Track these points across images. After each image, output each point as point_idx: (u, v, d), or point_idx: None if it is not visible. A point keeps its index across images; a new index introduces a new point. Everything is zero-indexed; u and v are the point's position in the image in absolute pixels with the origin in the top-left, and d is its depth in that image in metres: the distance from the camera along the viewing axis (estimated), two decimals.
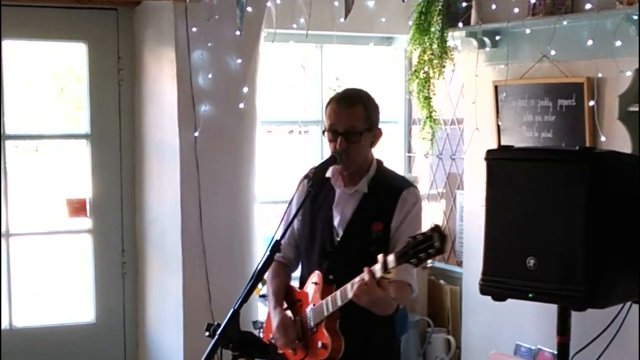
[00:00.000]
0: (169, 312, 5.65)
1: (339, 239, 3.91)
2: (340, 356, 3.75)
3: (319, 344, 3.77)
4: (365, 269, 3.49)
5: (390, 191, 3.86)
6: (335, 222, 3.92)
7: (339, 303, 3.66)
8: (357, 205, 3.89)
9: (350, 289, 3.56)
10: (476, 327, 5.55)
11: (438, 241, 3.21)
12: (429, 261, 4.57)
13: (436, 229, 3.24)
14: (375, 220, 3.81)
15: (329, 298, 3.72)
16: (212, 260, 5.48)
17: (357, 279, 3.52)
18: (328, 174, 3.92)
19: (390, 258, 3.39)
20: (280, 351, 3.91)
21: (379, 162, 3.99)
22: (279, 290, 4.05)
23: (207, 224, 5.46)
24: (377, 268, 3.45)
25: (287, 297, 4.04)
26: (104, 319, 6.05)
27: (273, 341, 3.94)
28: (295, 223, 4.03)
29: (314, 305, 3.82)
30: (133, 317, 6.10)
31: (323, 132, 3.92)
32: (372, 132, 3.87)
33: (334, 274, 3.80)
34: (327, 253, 3.92)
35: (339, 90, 5.30)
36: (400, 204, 3.82)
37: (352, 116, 3.80)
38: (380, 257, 3.44)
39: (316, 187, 3.68)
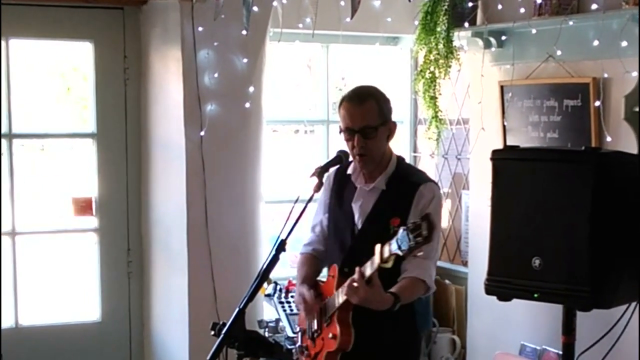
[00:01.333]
0: (175, 311, 5.65)
1: (357, 233, 3.95)
2: (349, 348, 3.77)
3: (330, 335, 3.81)
4: (357, 269, 3.53)
5: (407, 186, 3.88)
6: (356, 217, 3.96)
7: (344, 296, 3.68)
8: (375, 201, 3.92)
9: (369, 264, 3.58)
10: (481, 327, 5.54)
11: (426, 230, 3.21)
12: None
13: (426, 217, 3.25)
14: (393, 216, 3.82)
15: (339, 290, 3.75)
16: (217, 260, 5.48)
17: (349, 280, 3.56)
18: (349, 170, 3.97)
19: (386, 248, 3.40)
20: (304, 344, 3.95)
21: (400, 159, 4.01)
22: (306, 275, 4.08)
23: (213, 223, 5.47)
24: (368, 264, 3.49)
25: (316, 288, 4.03)
26: (110, 318, 6.06)
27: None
28: (324, 219, 4.13)
29: (329, 297, 3.87)
30: (138, 316, 6.11)
31: (340, 132, 3.94)
32: (387, 125, 3.90)
33: (349, 267, 3.81)
34: (345, 247, 3.97)
35: (345, 89, 5.31)
36: (417, 199, 3.83)
37: (366, 112, 3.83)
38: (377, 247, 3.45)
39: (320, 185, 3.72)
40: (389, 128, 3.91)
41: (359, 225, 3.95)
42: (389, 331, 3.86)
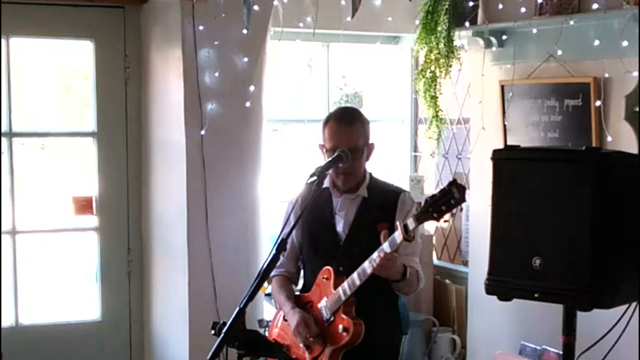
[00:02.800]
0: (175, 310, 5.65)
1: (343, 239, 4.07)
2: (360, 340, 3.85)
3: (340, 328, 3.88)
4: (385, 243, 3.66)
5: (388, 194, 4.10)
6: (339, 227, 4.09)
7: (358, 283, 3.79)
8: (357, 208, 4.08)
9: (368, 265, 3.73)
10: (482, 326, 5.54)
11: (457, 192, 3.43)
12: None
13: (454, 182, 3.45)
14: (379, 221, 3.93)
15: (344, 283, 3.86)
16: (217, 259, 5.48)
17: (375, 254, 3.69)
18: (325, 184, 4.02)
19: (410, 220, 3.58)
20: (293, 355, 3.97)
21: (370, 173, 4.18)
22: (291, 295, 4.19)
23: (213, 222, 5.47)
24: (397, 235, 3.62)
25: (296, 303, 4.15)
26: (110, 317, 6.06)
27: (293, 337, 4.05)
28: (294, 236, 4.17)
29: (327, 297, 3.95)
30: (139, 315, 6.11)
31: (322, 146, 4.08)
32: (368, 147, 4.09)
33: (343, 266, 3.96)
34: (330, 255, 4.07)
35: (345, 88, 5.34)
36: (400, 205, 4.04)
37: (354, 134, 4.01)
38: (398, 223, 3.64)
39: (320, 187, 3.74)
40: (369, 149, 4.09)
41: (345, 231, 4.06)
42: (379, 332, 3.95)
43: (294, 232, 4.09)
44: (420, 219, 3.55)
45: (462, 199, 3.46)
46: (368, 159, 4.11)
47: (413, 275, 3.91)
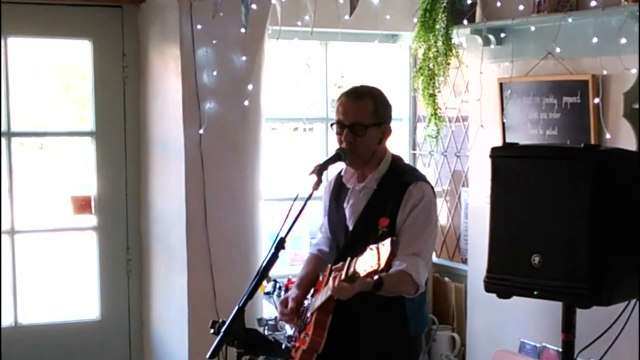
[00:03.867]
0: (174, 310, 5.65)
1: (348, 235, 3.97)
2: (320, 350, 3.69)
3: (303, 334, 3.80)
4: (332, 276, 3.51)
5: (397, 186, 3.86)
6: (348, 218, 3.98)
7: (323, 297, 3.67)
8: (366, 201, 3.92)
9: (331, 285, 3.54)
10: (481, 324, 5.55)
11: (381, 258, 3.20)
12: None
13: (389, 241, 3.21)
14: (382, 216, 3.83)
15: (322, 291, 3.73)
16: (217, 258, 5.48)
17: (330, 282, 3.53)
18: (342, 172, 4.00)
19: (351, 265, 3.35)
20: (294, 334, 3.96)
21: (395, 158, 3.99)
22: (304, 276, 4.10)
23: (212, 221, 5.46)
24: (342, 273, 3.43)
25: (316, 284, 4.04)
26: (109, 317, 6.06)
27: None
28: (325, 221, 4.18)
29: (316, 296, 3.87)
30: (138, 315, 6.11)
31: (331, 125, 3.94)
32: (381, 128, 3.88)
33: None
34: (338, 247, 3.99)
35: (344, 87, 5.31)
36: (406, 199, 3.81)
37: (360, 109, 3.83)
38: (348, 261, 3.40)
39: (319, 183, 3.72)
40: (383, 131, 3.90)
41: (350, 226, 3.96)
42: (374, 335, 3.88)
43: (325, 216, 4.18)
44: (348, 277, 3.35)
45: (385, 268, 3.26)
46: (381, 142, 3.90)
47: (396, 283, 3.64)
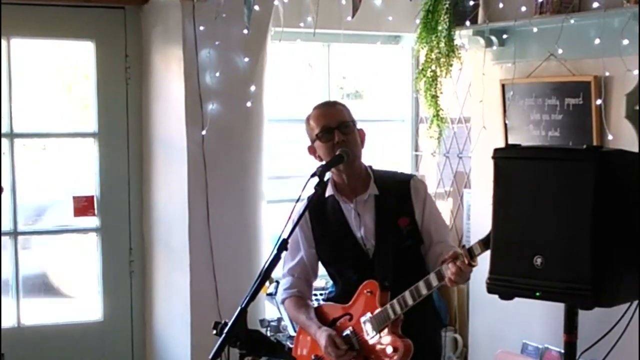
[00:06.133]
0: (177, 311, 5.66)
1: (373, 248, 3.98)
2: (410, 356, 3.80)
3: (389, 350, 3.81)
4: (451, 264, 3.59)
5: (398, 185, 4.01)
6: (360, 233, 4.00)
7: (410, 303, 3.74)
8: (374, 209, 3.98)
9: (423, 286, 3.69)
10: (483, 325, 5.54)
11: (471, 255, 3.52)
12: None
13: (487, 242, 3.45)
14: (399, 217, 3.91)
15: (394, 302, 3.79)
16: (219, 259, 5.49)
17: (443, 267, 3.63)
18: (328, 192, 3.99)
19: (476, 246, 3.60)
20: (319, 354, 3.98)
21: (370, 166, 4.11)
22: (311, 314, 4.10)
23: (215, 222, 5.47)
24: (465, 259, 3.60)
25: (324, 316, 4.08)
26: (112, 318, 6.06)
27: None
28: (306, 256, 4.15)
29: (371, 313, 3.88)
30: (140, 316, 6.11)
31: (311, 148, 4.05)
32: (359, 131, 4.04)
33: (387, 280, 3.89)
34: (364, 265, 3.99)
35: (346, 88, 5.35)
36: (414, 194, 3.98)
37: (338, 111, 4.01)
38: (461, 249, 3.61)
39: (323, 186, 3.72)
40: (361, 134, 4.04)
41: (369, 238, 3.97)
42: (421, 331, 3.91)
43: (307, 252, 4.13)
44: (486, 245, 3.54)
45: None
46: (363, 144, 4.03)
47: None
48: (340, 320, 4.01)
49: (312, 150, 4.06)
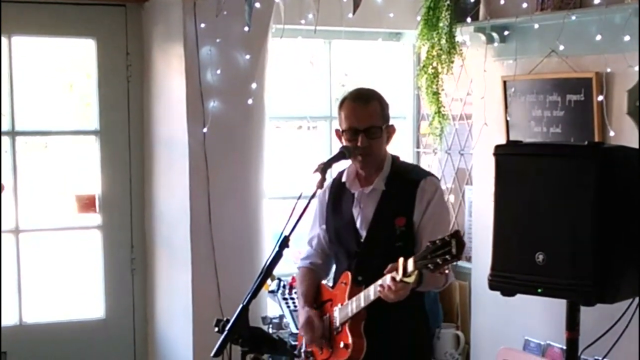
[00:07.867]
0: (178, 308, 5.66)
1: (363, 240, 3.96)
2: (362, 357, 3.77)
3: (341, 344, 3.82)
4: (388, 276, 3.48)
5: (408, 184, 3.90)
6: (358, 223, 3.98)
7: (362, 304, 3.71)
8: (377, 203, 3.94)
9: (372, 292, 3.60)
10: (485, 322, 5.54)
11: (455, 247, 3.18)
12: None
13: (455, 235, 3.21)
14: (398, 216, 3.85)
15: (354, 299, 3.76)
16: (221, 256, 5.49)
17: (379, 281, 3.53)
18: (343, 178, 3.98)
19: (410, 262, 3.38)
20: (309, 349, 3.95)
21: (394, 158, 4.03)
22: (307, 291, 4.10)
23: (216, 219, 5.47)
24: (391, 275, 3.46)
25: (319, 296, 4.08)
26: (114, 315, 6.07)
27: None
28: (320, 230, 4.15)
29: (341, 305, 3.87)
30: (142, 313, 6.12)
31: (339, 132, 3.96)
32: (387, 128, 3.93)
33: (362, 275, 3.84)
34: (353, 254, 3.98)
35: (347, 85, 5.30)
36: (419, 195, 3.87)
37: (371, 112, 3.87)
38: (400, 261, 3.43)
39: (323, 181, 3.70)
40: (389, 131, 3.95)
41: (363, 231, 3.95)
42: (404, 334, 3.91)
43: (320, 227, 4.14)
44: (417, 264, 3.32)
45: (458, 257, 3.19)
46: (388, 142, 3.95)
47: (432, 276, 3.55)
48: (325, 304, 4.02)
49: (338, 135, 3.99)
